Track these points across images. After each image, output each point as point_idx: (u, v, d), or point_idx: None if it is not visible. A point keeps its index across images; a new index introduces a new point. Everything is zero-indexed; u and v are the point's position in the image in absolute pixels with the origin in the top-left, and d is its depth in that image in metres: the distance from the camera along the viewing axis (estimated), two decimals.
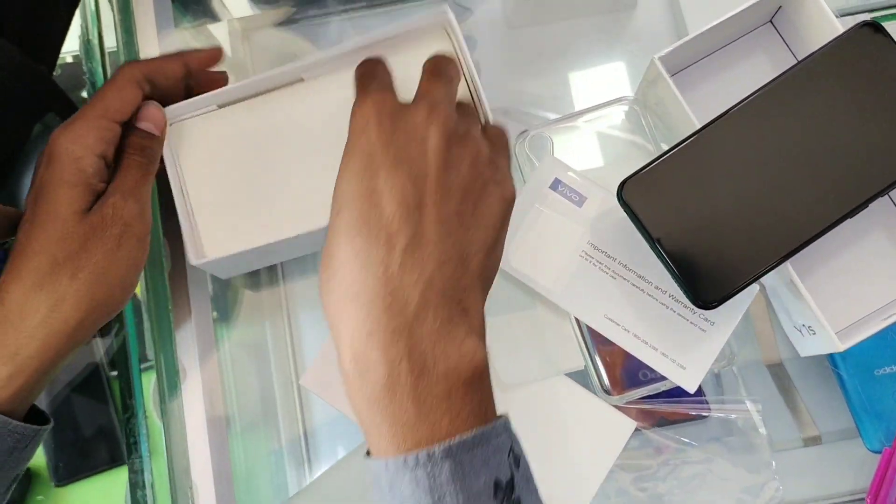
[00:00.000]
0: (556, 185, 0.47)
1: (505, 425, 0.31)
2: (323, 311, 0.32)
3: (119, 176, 0.40)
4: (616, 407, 0.46)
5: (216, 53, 0.45)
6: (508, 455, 0.30)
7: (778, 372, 0.53)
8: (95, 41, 0.48)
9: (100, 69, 0.48)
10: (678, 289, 0.40)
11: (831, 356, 0.51)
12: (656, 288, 0.45)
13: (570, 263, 0.46)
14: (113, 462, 0.71)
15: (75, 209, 0.38)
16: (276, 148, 0.46)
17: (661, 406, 0.48)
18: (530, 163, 0.50)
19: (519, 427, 0.33)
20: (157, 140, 0.42)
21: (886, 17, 0.57)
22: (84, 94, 0.59)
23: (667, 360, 0.44)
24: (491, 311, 0.34)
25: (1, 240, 0.40)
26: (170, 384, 0.49)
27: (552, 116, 0.57)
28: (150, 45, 0.49)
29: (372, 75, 0.36)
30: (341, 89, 0.45)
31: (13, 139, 0.40)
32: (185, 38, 0.56)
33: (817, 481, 0.51)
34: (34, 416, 0.39)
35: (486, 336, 0.33)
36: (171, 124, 0.45)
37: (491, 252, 0.33)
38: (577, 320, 0.46)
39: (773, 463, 0.46)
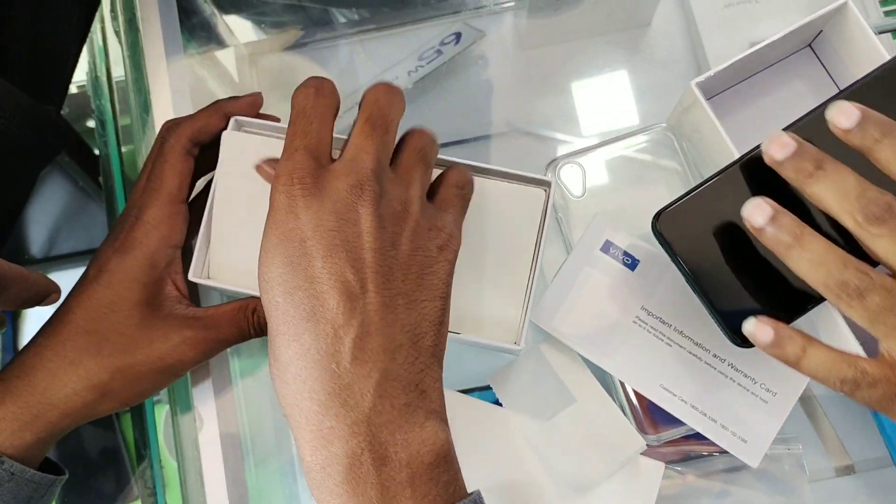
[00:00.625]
0: (606, 247, 0.45)
1: (475, 502, 0.31)
2: (279, 401, 0.31)
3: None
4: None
5: (256, 100, 0.44)
6: None
7: (806, 398, 0.52)
8: (104, 77, 0.47)
9: (108, 106, 0.47)
10: (738, 356, 0.39)
11: None
12: (714, 356, 0.43)
13: (622, 330, 0.44)
14: (121, 498, 0.69)
15: (140, 305, 0.38)
16: None
17: (693, 443, 0.47)
18: (560, 191, 0.48)
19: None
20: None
21: None
22: (90, 124, 0.58)
23: (727, 433, 0.43)
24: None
25: (22, 308, 0.39)
26: (184, 421, 0.48)
27: (559, 136, 0.56)
28: (160, 78, 0.47)
29: (307, 120, 0.33)
30: None
31: (22, 186, 0.39)
32: (192, 65, 0.55)
33: None
34: (47, 467, 0.40)
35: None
36: (241, 129, 0.43)
37: (441, 324, 0.33)
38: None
39: None
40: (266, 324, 0.39)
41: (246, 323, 0.41)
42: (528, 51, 0.61)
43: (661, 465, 0.44)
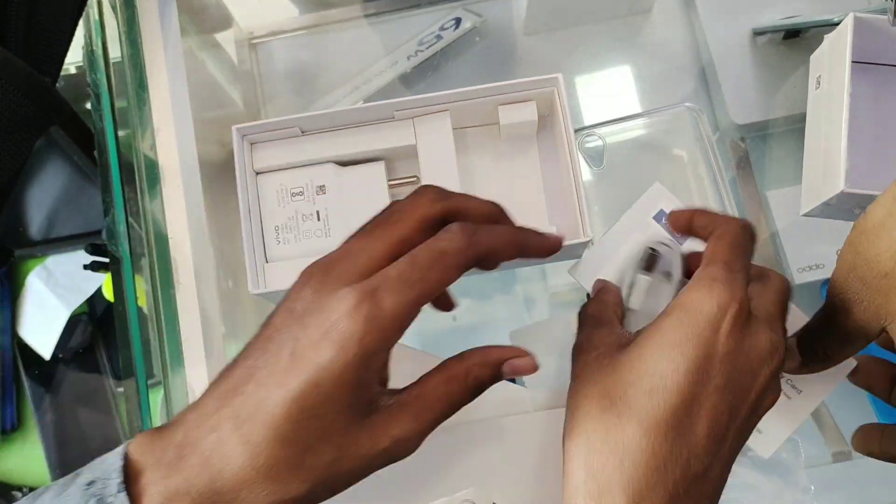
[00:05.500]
0: (660, 216, 0.44)
1: None
2: (568, 455, 0.31)
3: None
4: None
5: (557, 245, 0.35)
6: None
7: None
8: (99, 51, 0.47)
9: (104, 80, 0.46)
10: None
11: None
12: None
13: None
14: None
15: (349, 423, 0.29)
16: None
17: None
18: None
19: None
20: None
21: None
22: (87, 106, 0.58)
23: None
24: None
25: None
26: (179, 404, 0.47)
27: None
28: (157, 56, 0.47)
29: (748, 255, 0.35)
30: (428, 131, 0.44)
31: (18, 155, 0.39)
32: (191, 47, 0.55)
33: (849, 498, 0.49)
34: None
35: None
36: (253, 144, 0.44)
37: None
38: None
39: (812, 487, 0.44)
40: (481, 386, 0.33)
41: (459, 395, 0.33)
42: (528, 37, 0.61)
43: None
